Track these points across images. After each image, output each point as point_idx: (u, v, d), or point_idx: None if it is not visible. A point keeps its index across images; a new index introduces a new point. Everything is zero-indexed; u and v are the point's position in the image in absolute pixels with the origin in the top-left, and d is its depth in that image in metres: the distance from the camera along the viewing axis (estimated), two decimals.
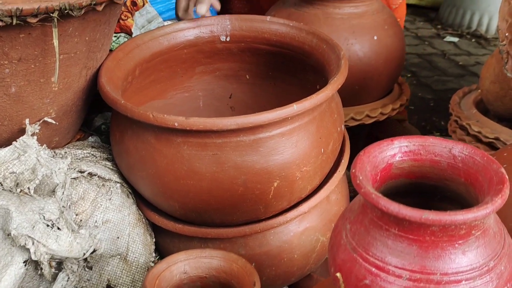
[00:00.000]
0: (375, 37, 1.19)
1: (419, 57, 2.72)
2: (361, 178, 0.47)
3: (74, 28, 0.71)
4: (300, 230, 0.88)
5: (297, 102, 0.73)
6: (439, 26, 3.21)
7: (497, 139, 1.11)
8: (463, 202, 0.55)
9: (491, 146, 1.14)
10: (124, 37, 1.18)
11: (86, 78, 0.83)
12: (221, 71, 1.10)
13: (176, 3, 1.05)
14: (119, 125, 0.83)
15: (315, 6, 1.21)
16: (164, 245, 0.92)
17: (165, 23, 1.35)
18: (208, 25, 1.03)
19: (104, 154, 0.93)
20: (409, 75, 2.47)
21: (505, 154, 0.87)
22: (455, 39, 3.00)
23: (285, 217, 0.84)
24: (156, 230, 0.92)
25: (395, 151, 0.53)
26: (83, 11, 0.64)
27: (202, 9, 0.99)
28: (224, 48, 1.06)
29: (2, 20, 0.59)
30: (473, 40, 3.00)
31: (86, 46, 0.77)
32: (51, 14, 0.62)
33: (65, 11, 0.63)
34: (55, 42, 0.65)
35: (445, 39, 3.01)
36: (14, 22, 0.60)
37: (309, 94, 1.03)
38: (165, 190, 0.79)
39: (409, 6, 3.54)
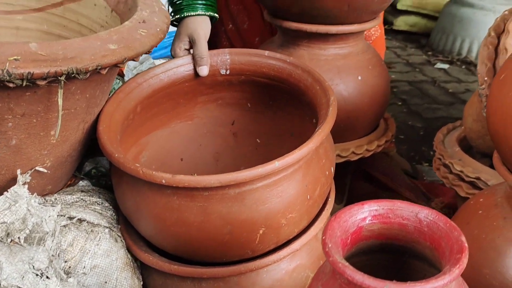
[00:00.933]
0: (360, 78, 1.22)
1: (410, 85, 2.77)
2: (330, 246, 0.50)
3: (77, 87, 0.75)
4: (292, 268, 0.91)
5: (279, 159, 0.76)
6: (430, 53, 3.27)
7: (478, 178, 1.14)
8: (430, 261, 0.57)
9: (473, 184, 1.17)
10: (117, 78, 1.21)
11: (83, 131, 0.86)
12: (224, 99, 1.14)
13: (172, 47, 1.09)
14: (117, 171, 0.87)
15: (301, 47, 1.25)
16: (155, 286, 0.94)
17: (156, 62, 1.39)
18: None
19: (93, 198, 0.96)
20: (399, 103, 2.52)
21: (481, 200, 0.89)
22: (446, 66, 3.05)
23: (278, 255, 0.87)
24: (147, 270, 0.95)
25: (365, 215, 0.55)
26: (88, 75, 0.68)
27: (204, 71, 1.04)
28: (224, 80, 1.10)
29: (13, 82, 0.63)
30: (463, 66, 3.06)
31: (86, 102, 0.81)
32: (59, 78, 0.66)
33: (72, 75, 0.66)
34: (60, 101, 0.69)
35: (435, 66, 3.06)
36: (24, 84, 0.64)
37: (306, 125, 1.09)
38: (157, 235, 0.85)
39: (400, 32, 3.61)
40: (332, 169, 0.94)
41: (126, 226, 0.94)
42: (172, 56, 1.09)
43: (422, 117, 2.38)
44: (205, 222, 0.78)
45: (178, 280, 0.90)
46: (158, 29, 0.82)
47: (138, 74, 1.01)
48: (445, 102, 2.57)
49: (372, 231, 0.56)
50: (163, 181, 0.75)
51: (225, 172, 1.17)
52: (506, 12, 1.14)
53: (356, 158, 1.28)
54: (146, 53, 0.79)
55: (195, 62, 1.04)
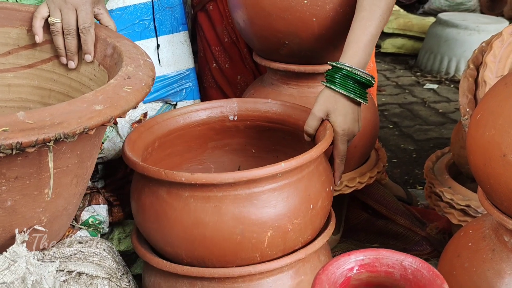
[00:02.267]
0: None
1: (400, 107, 2.81)
2: None
3: (67, 147, 0.77)
4: (295, 283, 0.97)
5: (285, 161, 0.88)
6: (418, 73, 3.32)
7: (468, 206, 1.16)
8: None
9: (465, 212, 1.19)
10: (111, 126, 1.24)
11: (76, 185, 0.88)
12: (230, 146, 1.25)
13: None
14: (137, 186, 0.97)
15: (290, 86, 1.29)
16: None
17: (148, 105, 1.43)
18: (219, 106, 1.20)
19: (91, 249, 0.98)
20: (391, 126, 2.55)
21: (470, 232, 0.92)
22: (435, 86, 3.10)
23: (284, 260, 0.94)
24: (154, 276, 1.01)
25: (352, 265, 0.58)
26: (76, 137, 0.71)
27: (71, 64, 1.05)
28: (232, 126, 1.21)
29: (3, 152, 0.65)
30: (452, 86, 3.10)
31: (78, 158, 0.83)
32: (47, 143, 0.68)
33: (60, 139, 0.69)
34: (50, 164, 0.71)
35: (424, 86, 3.11)
36: (14, 152, 0.66)
37: None
38: (174, 240, 0.92)
39: (388, 54, 3.68)
40: (332, 189, 1.03)
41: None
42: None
43: (414, 139, 2.41)
44: (220, 222, 0.88)
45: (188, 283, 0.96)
46: (143, 84, 0.85)
47: (157, 115, 1.15)
48: (436, 122, 2.61)
49: (360, 280, 0.58)
50: (183, 178, 0.85)
51: None
52: (484, 44, 1.18)
53: (349, 191, 1.30)
54: (132, 109, 0.82)
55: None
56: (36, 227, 0.86)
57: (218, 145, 1.24)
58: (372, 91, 1.60)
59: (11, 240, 0.86)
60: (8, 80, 1.03)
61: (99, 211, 1.13)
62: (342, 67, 1.01)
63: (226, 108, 1.19)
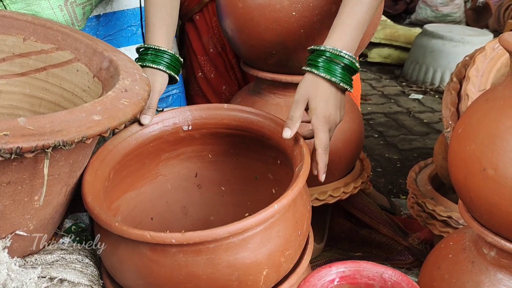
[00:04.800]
0: None
1: (386, 116, 2.84)
2: None
3: (61, 155, 0.77)
4: None
5: (276, 202, 0.82)
6: (404, 83, 3.36)
7: (449, 217, 1.18)
8: None
9: (446, 223, 1.21)
10: None
11: (65, 193, 0.88)
12: (185, 154, 1.18)
13: None
14: (109, 239, 0.88)
15: (277, 95, 1.30)
16: None
17: None
18: (171, 117, 1.11)
19: (73, 256, 0.97)
20: (376, 136, 2.58)
21: (451, 243, 0.93)
22: (419, 96, 3.14)
23: None
24: None
25: (333, 277, 0.58)
26: (73, 146, 0.70)
27: (146, 120, 1.05)
28: (187, 136, 1.14)
29: (2, 156, 0.65)
30: (437, 96, 3.15)
31: (69, 167, 0.83)
32: (46, 150, 0.68)
33: (59, 147, 0.69)
34: (45, 170, 0.71)
35: (410, 96, 3.15)
36: (12, 157, 0.66)
37: (270, 166, 1.14)
38: None
39: (375, 64, 3.72)
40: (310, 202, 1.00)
41: (111, 282, 0.95)
42: None
43: (399, 149, 2.44)
44: (214, 273, 0.82)
45: None
46: (139, 98, 0.85)
47: (109, 140, 1.03)
48: (420, 132, 2.64)
49: None
50: (173, 240, 0.77)
51: (194, 225, 1.21)
52: (467, 58, 1.21)
53: (333, 201, 1.31)
54: (128, 122, 0.82)
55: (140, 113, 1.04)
56: (18, 232, 0.85)
57: (172, 156, 1.16)
58: (357, 100, 1.62)
59: None
60: (0, 87, 1.02)
61: (82, 219, 1.12)
62: (325, 49, 0.94)
63: (179, 118, 1.11)
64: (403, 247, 1.50)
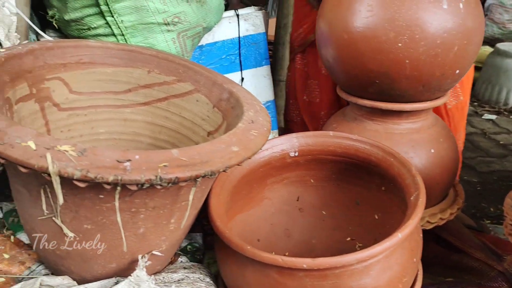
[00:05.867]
0: (432, 150, 1.28)
1: None
2: None
3: (201, 183, 0.84)
4: None
5: (400, 230, 0.85)
6: (475, 103, 3.30)
7: None
8: None
9: None
10: None
11: (194, 217, 0.95)
12: (289, 179, 1.23)
13: None
14: (237, 262, 0.93)
15: (375, 122, 1.32)
16: None
17: None
18: (279, 144, 1.17)
19: (195, 275, 1.03)
20: None
21: None
22: (493, 117, 3.07)
23: None
24: None
25: None
26: (217, 175, 0.77)
27: None
28: (292, 161, 1.19)
29: (161, 185, 0.71)
30: (511, 117, 3.07)
31: (202, 193, 0.90)
32: (197, 179, 0.75)
33: (206, 176, 0.75)
34: (190, 197, 0.78)
35: (483, 117, 3.09)
36: (169, 186, 0.73)
37: (373, 193, 1.18)
38: None
39: None
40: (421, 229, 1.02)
41: None
42: None
43: (477, 171, 2.40)
44: None
45: None
46: (265, 129, 0.91)
47: None
48: (497, 154, 2.58)
49: None
50: (304, 265, 0.82)
51: (297, 247, 1.25)
52: None
53: (430, 227, 1.32)
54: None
55: None
56: (154, 252, 0.92)
57: (277, 180, 1.22)
58: (455, 127, 1.61)
59: (132, 264, 0.92)
60: (125, 115, 1.11)
61: (196, 239, 1.19)
62: None
63: (286, 145, 1.16)
64: (497, 272, 1.47)
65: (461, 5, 1.15)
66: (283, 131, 1.65)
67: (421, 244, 0.99)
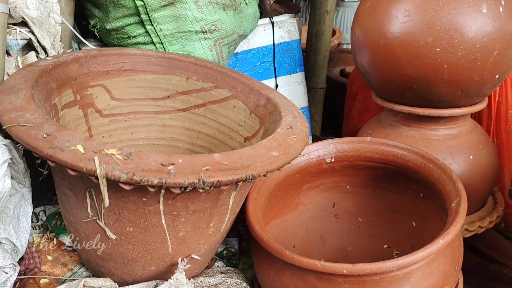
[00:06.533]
0: (471, 157, 1.26)
1: None
2: None
3: (240, 187, 0.85)
4: None
5: (441, 237, 0.84)
6: None
7: None
8: None
9: None
10: None
11: (231, 221, 0.96)
12: (325, 185, 1.23)
13: None
14: (274, 266, 0.93)
15: (411, 127, 1.31)
16: None
17: None
18: (315, 150, 1.17)
19: (232, 279, 1.04)
20: None
21: None
22: None
23: None
24: None
25: None
26: (256, 179, 0.77)
27: None
28: (328, 168, 1.19)
29: (204, 188, 0.73)
30: None
31: (240, 197, 0.92)
32: (238, 183, 0.76)
33: (247, 180, 0.76)
34: (231, 201, 0.79)
35: None
36: (211, 189, 0.74)
37: (410, 199, 1.17)
38: None
39: None
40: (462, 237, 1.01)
41: None
42: None
43: None
44: None
45: None
46: (303, 134, 0.92)
47: None
48: None
49: None
50: (344, 271, 0.81)
51: (332, 254, 1.24)
52: None
53: (469, 235, 1.30)
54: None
55: None
56: (193, 256, 0.94)
57: (312, 186, 1.22)
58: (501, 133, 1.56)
59: (171, 267, 0.94)
60: (163, 121, 1.13)
61: (232, 244, 1.20)
62: None
63: (323, 151, 1.16)
64: None
65: (501, 9, 1.13)
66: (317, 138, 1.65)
67: (462, 252, 0.98)
